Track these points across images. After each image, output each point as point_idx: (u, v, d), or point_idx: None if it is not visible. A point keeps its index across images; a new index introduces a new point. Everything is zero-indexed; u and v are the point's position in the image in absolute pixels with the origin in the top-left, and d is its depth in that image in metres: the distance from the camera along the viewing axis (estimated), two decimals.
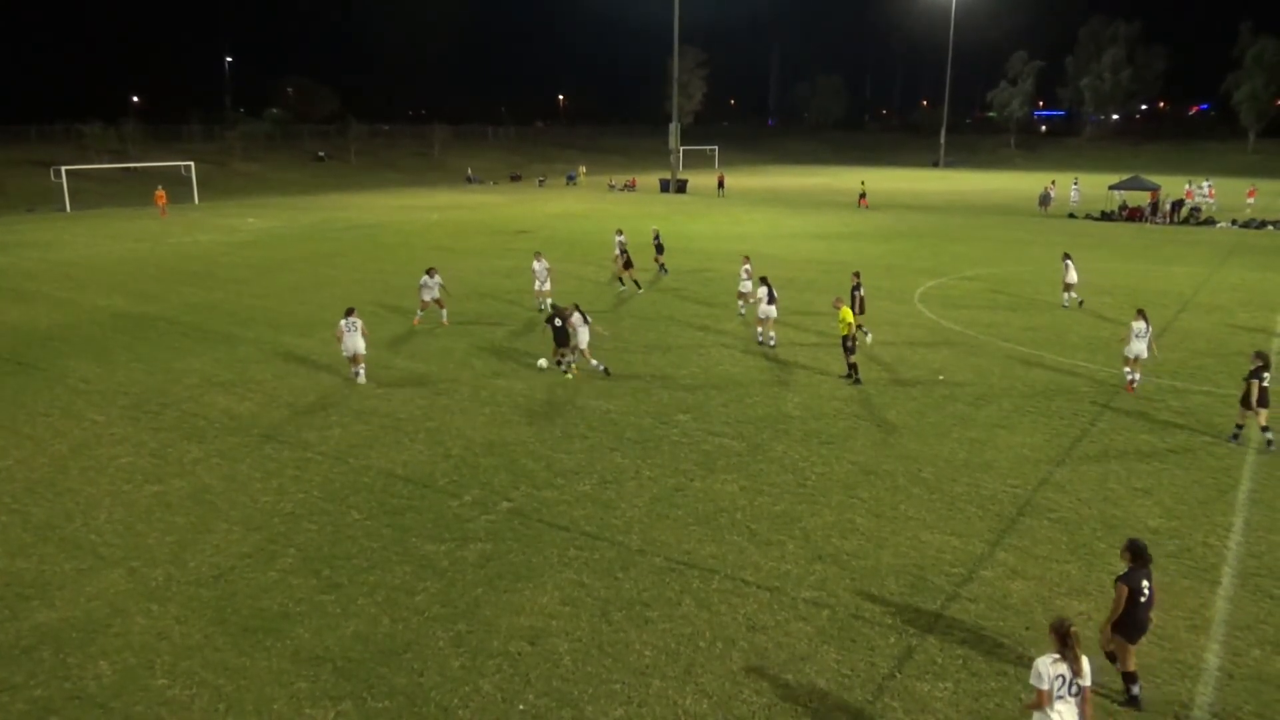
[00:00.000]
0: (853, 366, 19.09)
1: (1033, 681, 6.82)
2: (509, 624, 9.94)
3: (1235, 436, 15.37)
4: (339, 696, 8.71)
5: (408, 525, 12.36)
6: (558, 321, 19.46)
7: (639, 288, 29.62)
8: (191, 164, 68.50)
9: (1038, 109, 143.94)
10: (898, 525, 12.35)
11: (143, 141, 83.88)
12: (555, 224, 49.54)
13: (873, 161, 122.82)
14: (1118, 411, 17.13)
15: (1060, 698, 6.72)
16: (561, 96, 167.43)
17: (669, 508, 12.92)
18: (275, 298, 28.66)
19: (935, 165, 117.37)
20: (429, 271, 24.56)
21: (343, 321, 18.72)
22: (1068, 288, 27.07)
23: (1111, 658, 8.72)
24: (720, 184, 74.01)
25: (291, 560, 11.40)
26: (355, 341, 18.71)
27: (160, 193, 58.45)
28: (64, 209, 59.82)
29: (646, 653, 9.41)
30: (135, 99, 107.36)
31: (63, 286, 31.33)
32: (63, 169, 61.23)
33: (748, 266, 25.45)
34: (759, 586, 10.72)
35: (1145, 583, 8.29)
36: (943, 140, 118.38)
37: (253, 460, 14.76)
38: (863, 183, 71.10)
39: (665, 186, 77.71)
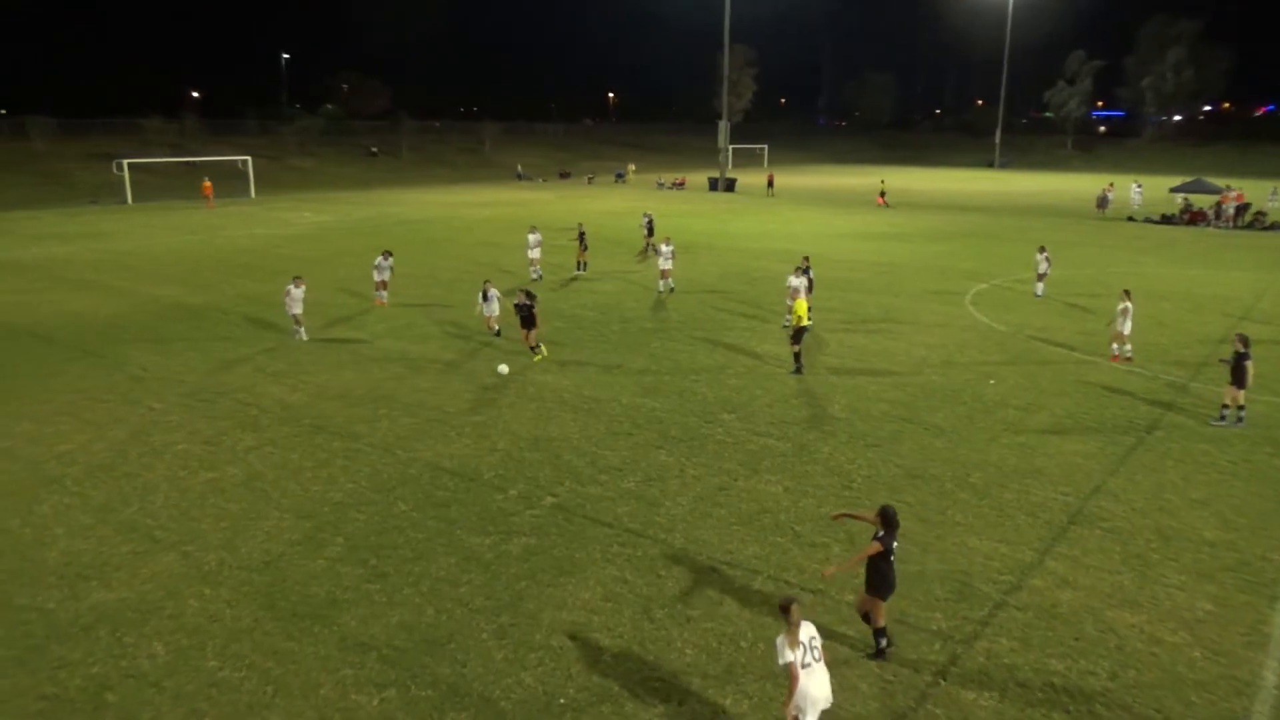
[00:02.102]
0: (796, 356, 19.84)
1: (783, 659, 7.32)
2: (551, 618, 10.01)
3: (1240, 420, 16.38)
4: (383, 684, 8.85)
5: (453, 517, 12.51)
6: (528, 302, 20.42)
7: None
8: (248, 159, 69.86)
9: (1096, 109, 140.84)
10: (944, 530, 12.21)
11: (201, 136, 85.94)
12: (602, 221, 49.65)
13: (924, 161, 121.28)
14: (1175, 419, 16.73)
15: (805, 666, 7.33)
16: (611, 94, 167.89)
17: (712, 507, 12.91)
18: (327, 291, 29.13)
19: (992, 165, 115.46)
20: (384, 254, 27.36)
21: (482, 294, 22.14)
22: (1040, 278, 28.65)
23: (866, 618, 9.35)
24: (769, 183, 73.66)
25: (339, 549, 11.61)
26: (492, 308, 22.41)
27: (207, 184, 60.40)
28: (125, 201, 61.43)
29: (688, 651, 9.42)
30: (195, 94, 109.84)
31: (122, 276, 32.21)
32: (124, 162, 62.87)
33: (794, 281, 23.64)
34: (802, 589, 10.66)
35: (895, 544, 9.07)
36: (998, 140, 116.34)
37: (303, 450, 15.04)
38: (882, 181, 70.59)
39: (714, 185, 77.53)
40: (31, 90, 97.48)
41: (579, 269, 33.08)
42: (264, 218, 53.06)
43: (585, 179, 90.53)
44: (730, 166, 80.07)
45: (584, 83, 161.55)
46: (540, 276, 31.64)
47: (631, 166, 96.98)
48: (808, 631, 7.48)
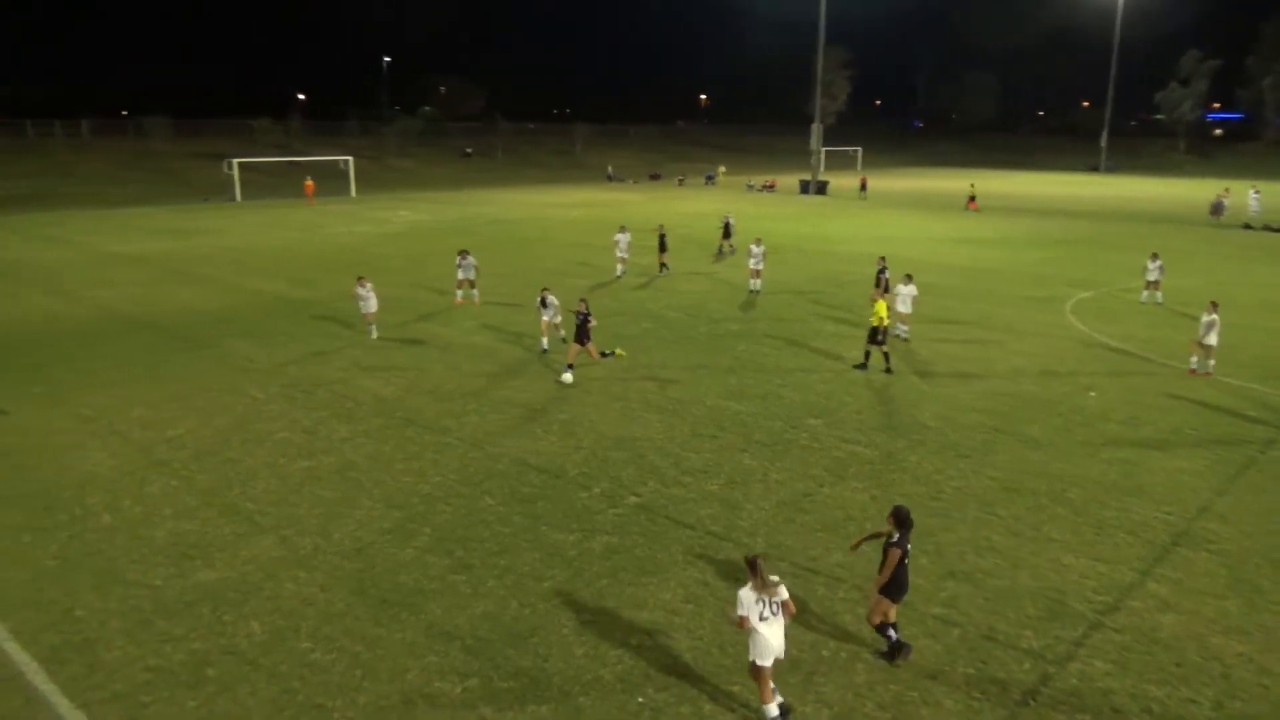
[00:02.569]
0: (869, 355, 20.02)
1: (739, 611, 8.00)
2: (631, 617, 10.06)
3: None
4: (467, 673, 9.04)
5: (538, 513, 12.69)
6: (585, 312, 19.24)
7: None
8: (350, 159, 72.17)
9: (1211, 111, 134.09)
10: (1038, 546, 11.82)
11: (306, 136, 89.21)
12: (691, 223, 49.64)
13: (1025, 165, 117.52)
14: None
15: (764, 619, 7.99)
16: (703, 96, 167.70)
17: (796, 512, 12.78)
18: (422, 288, 29.89)
19: (1097, 170, 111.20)
20: (462, 254, 27.49)
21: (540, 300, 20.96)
22: (1150, 286, 27.88)
23: (881, 629, 9.23)
24: (862, 186, 72.49)
25: (427, 539, 11.90)
26: (551, 316, 21.13)
27: (309, 183, 63.27)
28: (234, 199, 64.16)
29: None
30: (301, 96, 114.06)
31: (231, 271, 33.68)
32: (234, 161, 65.67)
33: (903, 290, 22.78)
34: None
35: (909, 547, 9.05)
36: (1104, 144, 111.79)
37: (395, 442, 15.46)
38: (972, 185, 68.43)
39: (805, 188, 76.70)
40: (151, 93, 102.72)
41: (661, 271, 33.23)
42: (363, 216, 54.74)
43: (675, 180, 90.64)
44: (822, 169, 79.10)
45: (676, 85, 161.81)
46: (623, 274, 32.34)
47: (722, 168, 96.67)
48: (773, 586, 8.08)
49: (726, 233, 39.11)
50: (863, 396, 18.13)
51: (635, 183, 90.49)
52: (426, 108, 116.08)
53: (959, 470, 14.36)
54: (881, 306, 19.71)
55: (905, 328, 22.67)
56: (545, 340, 21.37)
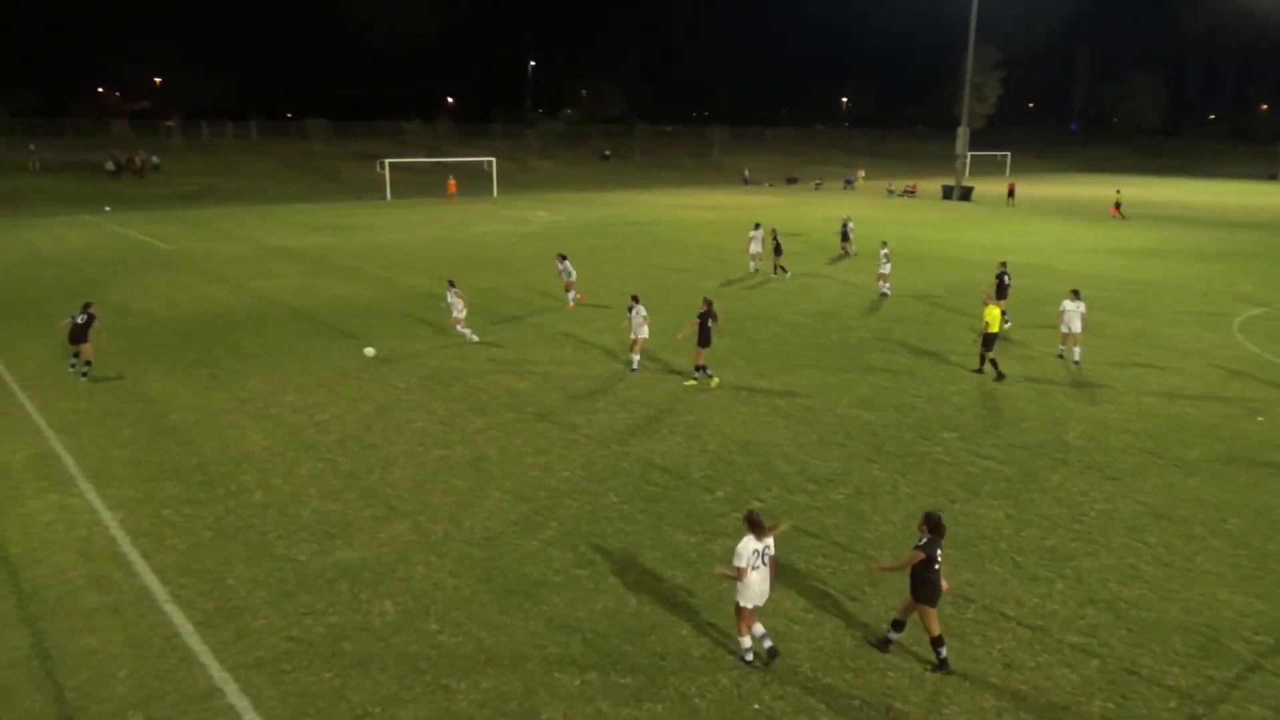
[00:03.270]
0: (993, 362, 19.50)
1: (735, 562, 8.84)
2: None
3: None
4: (586, 666, 9.19)
5: (661, 513, 12.77)
6: (709, 321, 18.61)
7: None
8: (493, 160, 74.51)
9: None
10: (1190, 578, 11.06)
11: (452, 138, 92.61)
12: (827, 228, 48.83)
13: (1192, 172, 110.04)
14: None
15: (755, 569, 8.89)
16: (844, 99, 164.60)
17: None
18: (557, 286, 30.51)
19: (1275, 177, 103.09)
20: (560, 257, 27.78)
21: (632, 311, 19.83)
22: None
23: (898, 625, 9.45)
24: (1010, 192, 69.53)
25: (553, 533, 12.16)
26: (639, 330, 19.70)
27: (451, 183, 66.60)
28: (384, 197, 67.28)
29: (890, 674, 9.12)
30: (450, 99, 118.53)
31: (380, 266, 35.36)
32: (386, 161, 68.89)
33: (1067, 305, 20.88)
34: (1019, 623, 10.02)
35: (939, 552, 9.06)
36: None
37: (526, 436, 15.87)
38: (1118, 191, 64.10)
39: (948, 193, 74.23)
40: (312, 96, 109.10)
41: (775, 272, 33.17)
42: (503, 215, 56.41)
43: (812, 184, 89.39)
44: (967, 174, 76.32)
45: (816, 87, 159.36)
46: (756, 271, 33.38)
47: (861, 172, 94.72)
48: (765, 542, 9.00)
49: (845, 236, 39.08)
50: (1003, 412, 17.41)
51: (771, 186, 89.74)
52: (568, 110, 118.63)
53: (1105, 493, 13.59)
54: (993, 313, 19.27)
55: (1076, 350, 20.78)
56: (635, 358, 20.15)
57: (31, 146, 74.85)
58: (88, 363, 19.29)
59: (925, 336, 23.64)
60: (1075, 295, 20.83)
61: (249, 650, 9.45)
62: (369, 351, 21.08)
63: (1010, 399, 18.20)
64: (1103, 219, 56.68)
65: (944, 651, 9.14)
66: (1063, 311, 20.80)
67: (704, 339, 18.67)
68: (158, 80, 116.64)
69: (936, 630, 9.11)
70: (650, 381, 19.26)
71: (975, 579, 10.97)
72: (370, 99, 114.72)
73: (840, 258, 38.20)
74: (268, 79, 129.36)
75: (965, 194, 72.87)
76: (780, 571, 11.11)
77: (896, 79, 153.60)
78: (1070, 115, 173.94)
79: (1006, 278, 24.42)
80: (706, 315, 18.59)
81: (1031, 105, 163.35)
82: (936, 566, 9.02)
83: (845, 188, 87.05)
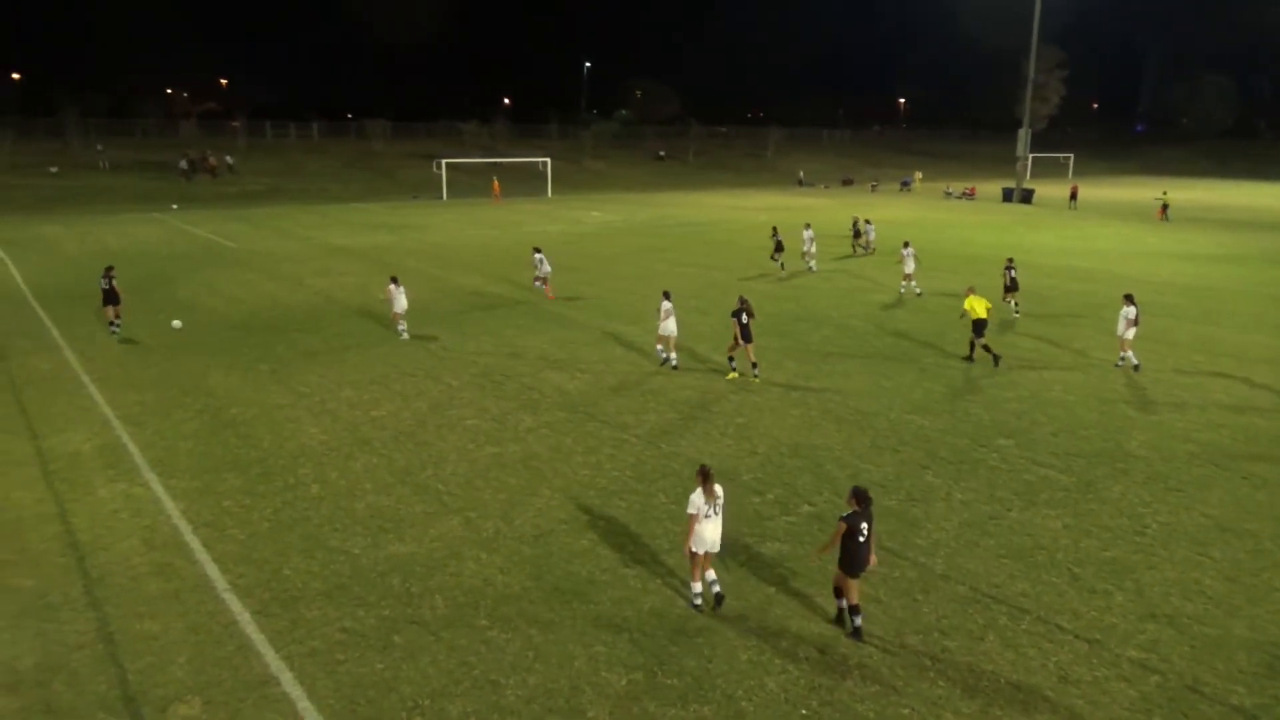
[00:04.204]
0: (985, 348, 20.52)
1: (689, 510, 9.92)
2: (799, 628, 9.92)
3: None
4: (632, 666, 9.21)
5: None
6: (744, 317, 18.86)
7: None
8: (548, 160, 75.06)
9: None
10: (1258, 595, 10.71)
11: (509, 138, 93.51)
12: (882, 231, 48.19)
13: (1265, 175, 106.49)
14: None
15: (708, 517, 9.93)
16: (902, 99, 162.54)
17: (980, 535, 12.19)
18: (608, 286, 30.68)
19: None
20: (535, 250, 29.68)
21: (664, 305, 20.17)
22: None
23: (838, 594, 9.93)
24: (1073, 195, 68.09)
25: (601, 532, 12.20)
26: (669, 326, 19.99)
27: (496, 183, 68.15)
28: (440, 197, 68.20)
29: (940, 683, 8.98)
30: (506, 100, 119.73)
31: (434, 265, 35.84)
32: (442, 162, 69.81)
33: (1129, 311, 20.31)
34: (1076, 636, 9.80)
35: (864, 524, 9.59)
36: None
37: (576, 435, 15.95)
38: (1165, 192, 62.42)
39: (1008, 196, 72.91)
40: (372, 96, 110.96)
41: (774, 258, 34.72)
42: (558, 215, 56.78)
43: (869, 186, 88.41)
44: (1028, 176, 74.81)
45: (874, 88, 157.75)
46: (815, 269, 34.27)
47: (918, 174, 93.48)
48: (716, 493, 10.00)
49: (857, 233, 40.54)
50: (1061, 419, 17.03)
51: (826, 188, 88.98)
52: (623, 111, 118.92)
53: (1168, 505, 13.22)
54: (974, 302, 20.50)
55: (1129, 354, 20.43)
56: (665, 352, 20.48)
57: (99, 147, 77.47)
58: (118, 319, 23.66)
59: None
60: (1128, 300, 20.27)
61: (304, 640, 9.65)
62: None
63: (1070, 406, 17.80)
64: (1170, 222, 55.14)
65: (859, 620, 9.71)
66: (1123, 316, 20.24)
67: (745, 335, 18.90)
68: (224, 81, 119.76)
69: (854, 599, 9.73)
70: (700, 383, 19.23)
71: (1031, 589, 10.75)
72: (428, 100, 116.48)
73: (865, 251, 39.64)
74: (329, 80, 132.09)
75: (1026, 196, 71.47)
76: (829, 577, 11.02)
77: (956, 79, 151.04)
78: (1136, 116, 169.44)
79: (1013, 272, 26.85)
80: (740, 312, 18.88)
81: (1095, 106, 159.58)
82: (861, 539, 9.55)
83: (902, 190, 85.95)
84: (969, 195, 76.59)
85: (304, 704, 8.64)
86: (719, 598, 10.19)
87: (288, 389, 18.74)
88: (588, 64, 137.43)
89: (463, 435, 15.97)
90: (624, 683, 8.96)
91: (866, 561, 9.65)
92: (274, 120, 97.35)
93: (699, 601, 10.20)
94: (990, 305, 20.85)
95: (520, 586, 10.78)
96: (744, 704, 8.64)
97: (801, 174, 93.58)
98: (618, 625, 9.95)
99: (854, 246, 40.40)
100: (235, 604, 10.35)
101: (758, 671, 9.13)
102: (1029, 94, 73.50)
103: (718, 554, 10.29)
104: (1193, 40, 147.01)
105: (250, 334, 23.82)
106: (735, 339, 18.97)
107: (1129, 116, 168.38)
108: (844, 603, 9.85)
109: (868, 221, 41.15)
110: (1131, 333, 20.15)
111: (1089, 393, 18.74)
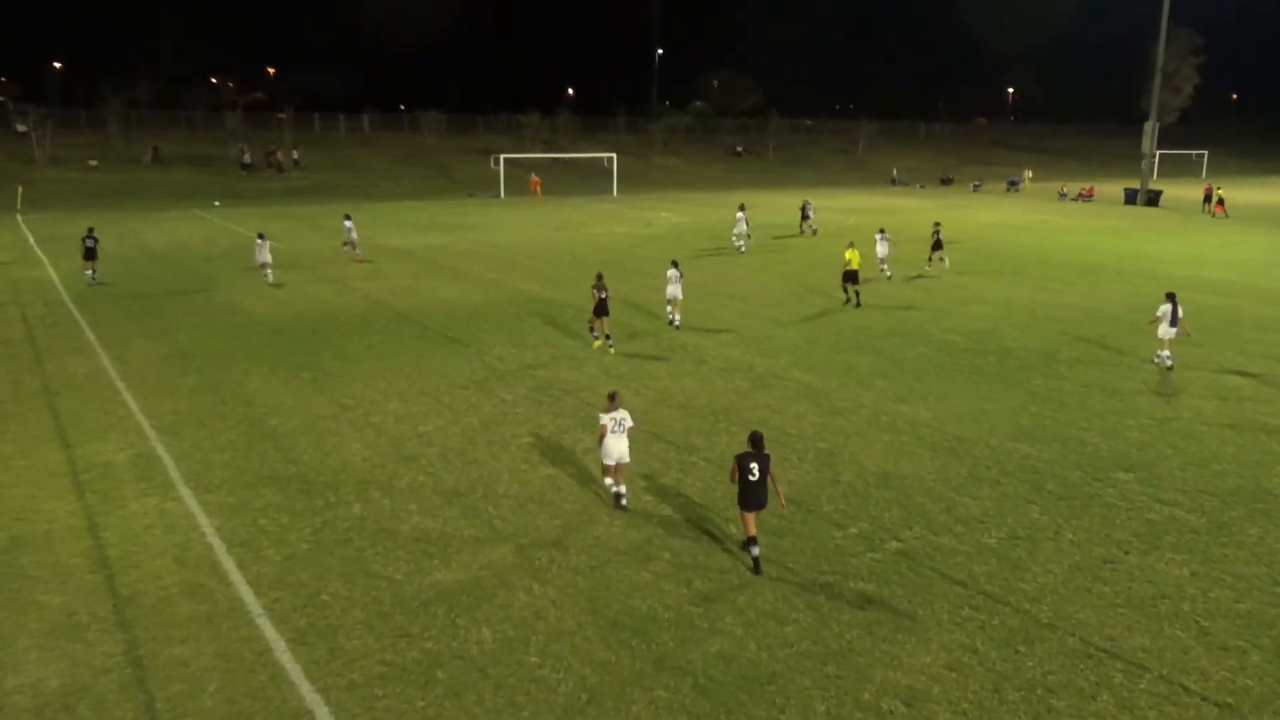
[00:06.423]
0: (856, 293, 28.60)
1: (601, 422, 13.32)
2: (883, 677, 9.75)
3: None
4: (698, 714, 9.14)
5: (785, 549, 12.62)
6: (601, 293, 23.07)
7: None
8: (614, 155, 75.64)
9: None
10: None
11: (573, 133, 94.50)
12: (986, 235, 47.46)
13: None
14: None
15: (614, 433, 13.23)
16: (1011, 90, 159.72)
17: (1093, 581, 11.84)
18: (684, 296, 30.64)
19: None
20: (346, 216, 33.57)
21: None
22: None
23: (745, 545, 12.14)
24: (1207, 197, 66.01)
25: (665, 565, 12.18)
26: (673, 290, 25.31)
27: (535, 179, 69.88)
28: (498, 195, 69.26)
29: None
30: (570, 91, 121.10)
31: (491, 268, 36.37)
32: (501, 157, 70.98)
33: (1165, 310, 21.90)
34: (1204, 699, 9.44)
35: (754, 464, 11.62)
36: None
37: (639, 458, 15.89)
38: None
39: (1131, 197, 71.08)
40: (426, 88, 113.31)
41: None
42: (624, 216, 57.13)
43: (971, 186, 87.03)
44: (1155, 176, 72.83)
45: (980, 77, 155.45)
46: (890, 276, 34.46)
47: (1028, 173, 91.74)
48: (621, 414, 13.32)
49: (938, 242, 37.86)
50: (1190, 452, 16.48)
51: (923, 187, 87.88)
52: (697, 103, 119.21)
53: None
54: (852, 253, 28.18)
55: (1166, 354, 21.72)
56: (672, 314, 26.09)
57: (153, 146, 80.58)
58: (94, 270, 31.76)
59: (1099, 361, 22.62)
60: (1170, 299, 21.84)
61: (342, 672, 9.82)
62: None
63: (1202, 438, 17.21)
64: None
65: (755, 550, 11.84)
66: (1160, 316, 21.63)
67: (599, 309, 22.93)
68: (271, 70, 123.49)
69: (751, 531, 11.84)
70: (778, 403, 19.10)
71: (1152, 644, 10.39)
72: (485, 92, 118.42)
73: (930, 263, 37.98)
74: (379, 69, 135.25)
75: (1153, 198, 69.58)
76: (915, 620, 10.84)
77: (1073, 66, 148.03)
78: None
79: (939, 235, 35.40)
80: (595, 288, 22.91)
81: (1235, 97, 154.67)
82: (751, 478, 11.59)
83: (1009, 190, 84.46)
84: (1086, 196, 74.85)
85: None
86: (616, 496, 13.71)
87: (331, 399, 19.17)
88: (660, 51, 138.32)
89: (516, 454, 16.12)
90: None
91: (762, 500, 11.70)
92: (322, 112, 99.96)
93: (621, 503, 13.74)
94: (862, 257, 28.42)
95: (574, 621, 10.81)
96: None
97: (895, 172, 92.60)
98: (681, 668, 9.90)
99: (932, 255, 38.49)
100: (270, 630, 10.58)
101: None
102: (1157, 84, 71.66)
103: (628, 464, 13.61)
104: None
105: (293, 339, 24.45)
106: (593, 312, 23.17)
107: (1272, 110, 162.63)
108: (754, 550, 11.85)
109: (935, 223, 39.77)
110: (1171, 333, 21.48)
111: (1223, 422, 18.10)
